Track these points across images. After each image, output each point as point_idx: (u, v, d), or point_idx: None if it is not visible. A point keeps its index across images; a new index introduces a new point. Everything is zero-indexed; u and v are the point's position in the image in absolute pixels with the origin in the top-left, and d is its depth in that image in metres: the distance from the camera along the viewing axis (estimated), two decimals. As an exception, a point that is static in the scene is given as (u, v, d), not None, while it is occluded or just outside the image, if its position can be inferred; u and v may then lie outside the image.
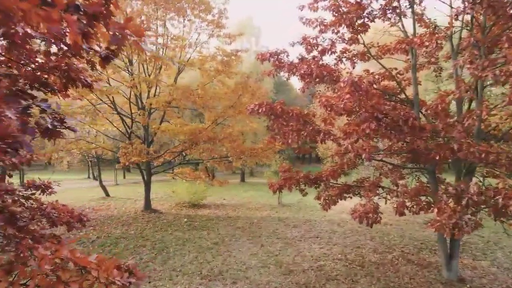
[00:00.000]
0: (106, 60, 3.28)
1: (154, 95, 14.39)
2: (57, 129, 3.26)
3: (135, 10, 13.61)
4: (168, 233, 12.43)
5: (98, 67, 3.66)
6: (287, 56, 8.75)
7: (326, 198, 9.01)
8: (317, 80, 8.17)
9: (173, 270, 8.81)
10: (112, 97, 13.78)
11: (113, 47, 3.12)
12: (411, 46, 7.12)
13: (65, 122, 3.30)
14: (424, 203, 7.13)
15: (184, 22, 15.62)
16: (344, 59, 9.05)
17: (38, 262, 2.56)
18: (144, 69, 15.38)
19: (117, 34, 2.61)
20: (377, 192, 8.21)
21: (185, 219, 14.58)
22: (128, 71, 14.26)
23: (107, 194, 20.81)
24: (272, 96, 31.00)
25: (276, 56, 8.61)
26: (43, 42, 2.89)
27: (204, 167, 19.23)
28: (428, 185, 8.14)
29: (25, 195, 5.25)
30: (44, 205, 5.05)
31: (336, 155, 9.76)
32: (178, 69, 16.12)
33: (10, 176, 5.19)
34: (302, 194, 9.30)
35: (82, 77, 4.11)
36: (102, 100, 13.81)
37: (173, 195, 18.83)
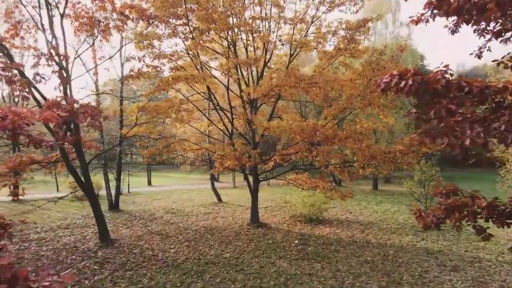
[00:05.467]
0: None
1: (259, 85, 11.76)
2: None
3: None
4: (270, 261, 9.53)
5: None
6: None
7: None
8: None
9: None
10: (207, 86, 11.62)
11: None
12: None
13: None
14: None
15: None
16: None
17: None
18: (249, 55, 12.90)
19: None
20: None
21: (296, 241, 11.45)
22: (225, 56, 11.81)
23: (219, 200, 19.38)
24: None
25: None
26: None
27: (327, 172, 15.61)
28: None
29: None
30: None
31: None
32: (290, 54, 13.13)
33: None
34: (480, 236, 5.14)
35: None
36: (196, 91, 11.84)
37: (287, 206, 15.97)
